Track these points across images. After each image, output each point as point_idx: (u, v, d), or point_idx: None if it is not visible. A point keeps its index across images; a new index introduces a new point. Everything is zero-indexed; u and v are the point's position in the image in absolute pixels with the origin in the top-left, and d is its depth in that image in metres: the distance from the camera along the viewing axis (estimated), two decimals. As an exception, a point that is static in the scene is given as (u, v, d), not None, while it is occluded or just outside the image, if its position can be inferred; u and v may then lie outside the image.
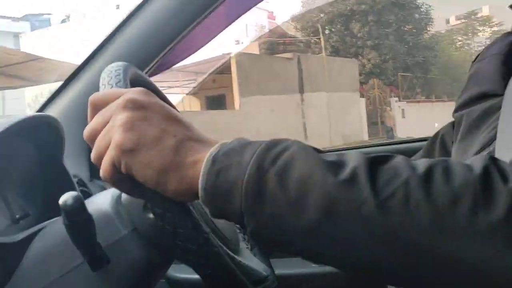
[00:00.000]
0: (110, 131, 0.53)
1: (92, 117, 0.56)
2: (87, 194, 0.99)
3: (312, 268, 1.27)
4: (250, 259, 0.77)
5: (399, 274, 0.47)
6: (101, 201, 0.69)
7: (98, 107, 0.56)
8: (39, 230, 0.73)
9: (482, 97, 0.79)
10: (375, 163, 0.47)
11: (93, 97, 0.58)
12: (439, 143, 1.01)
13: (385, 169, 0.46)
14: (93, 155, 0.55)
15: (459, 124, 0.84)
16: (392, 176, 0.45)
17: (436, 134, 1.04)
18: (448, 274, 0.44)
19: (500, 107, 0.71)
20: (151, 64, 1.15)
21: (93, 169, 1.24)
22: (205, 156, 0.51)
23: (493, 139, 0.71)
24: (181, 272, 1.28)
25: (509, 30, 0.86)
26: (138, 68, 0.71)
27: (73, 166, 1.09)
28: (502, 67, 0.78)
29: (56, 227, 0.70)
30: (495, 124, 0.71)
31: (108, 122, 0.54)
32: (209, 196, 0.51)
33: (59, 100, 1.18)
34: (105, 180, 0.55)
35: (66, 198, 0.57)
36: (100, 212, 0.66)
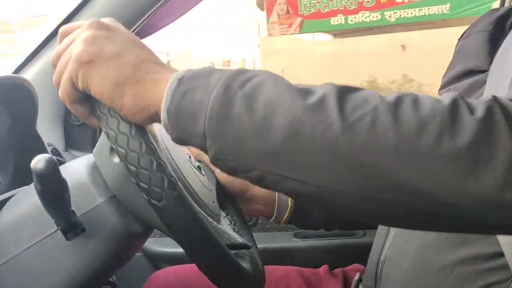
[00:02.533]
0: (71, 48, 0.53)
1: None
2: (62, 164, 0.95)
3: (297, 242, 1.27)
4: (229, 230, 0.74)
5: (357, 200, 0.45)
6: (76, 168, 0.66)
7: (67, 34, 0.56)
8: (10, 197, 0.69)
9: (468, 73, 0.80)
10: (346, 91, 0.46)
11: (63, 27, 0.57)
12: None
13: (355, 97, 0.46)
14: (54, 76, 0.55)
15: None
16: (361, 102, 0.45)
17: None
18: (406, 199, 0.44)
19: (485, 82, 0.72)
20: (134, 26, 1.11)
21: (68, 139, 1.20)
22: (169, 77, 0.50)
23: None
24: (159, 245, 1.26)
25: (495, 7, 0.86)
26: None
27: (48, 134, 1.05)
28: (487, 43, 0.78)
29: (27, 194, 0.67)
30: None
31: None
32: (172, 117, 0.49)
33: (35, 62, 1.13)
34: (63, 100, 0.55)
35: (37, 160, 0.54)
36: (75, 179, 0.63)
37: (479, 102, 0.45)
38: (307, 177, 0.45)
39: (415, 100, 0.45)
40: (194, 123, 0.48)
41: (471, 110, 0.44)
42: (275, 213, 0.91)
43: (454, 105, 0.44)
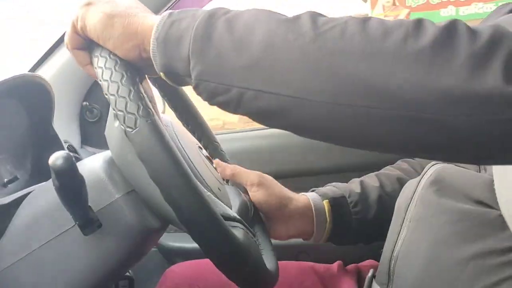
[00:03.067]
0: None
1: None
2: (78, 161, 0.96)
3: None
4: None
5: (329, 110, 0.47)
6: (93, 164, 0.67)
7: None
8: (28, 193, 0.70)
9: None
10: (322, 14, 0.50)
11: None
12: None
13: (329, 18, 0.49)
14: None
15: None
16: (334, 19, 0.48)
17: None
18: (374, 102, 0.45)
19: None
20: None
21: (84, 135, 1.21)
22: (157, 17, 0.55)
23: None
24: (173, 240, 1.27)
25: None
26: None
27: (64, 131, 1.06)
28: None
29: (45, 190, 0.68)
30: None
31: None
32: (160, 44, 0.53)
33: (52, 60, 1.14)
34: (67, 47, 0.62)
35: (56, 157, 0.55)
36: (92, 175, 0.64)
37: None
38: (282, 88, 0.48)
39: (383, 20, 0.47)
40: (179, 47, 0.52)
41: (434, 23, 0.46)
42: (314, 230, 0.90)
43: (418, 20, 0.46)
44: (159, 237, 0.76)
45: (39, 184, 0.73)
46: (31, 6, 3.76)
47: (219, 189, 0.74)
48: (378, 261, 0.84)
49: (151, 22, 0.55)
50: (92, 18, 0.57)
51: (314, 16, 0.49)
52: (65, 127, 1.15)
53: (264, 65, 0.48)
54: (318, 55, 0.46)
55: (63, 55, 1.12)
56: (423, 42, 0.44)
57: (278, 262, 0.76)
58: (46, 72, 1.11)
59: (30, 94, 0.82)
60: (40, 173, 0.82)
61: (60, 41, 1.13)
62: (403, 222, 0.77)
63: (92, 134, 1.22)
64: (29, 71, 1.14)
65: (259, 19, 0.50)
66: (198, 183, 0.56)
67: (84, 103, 1.19)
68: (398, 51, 0.44)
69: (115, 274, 0.68)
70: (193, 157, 0.68)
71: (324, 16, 0.50)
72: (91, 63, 0.59)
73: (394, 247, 0.77)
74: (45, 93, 0.84)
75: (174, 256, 1.26)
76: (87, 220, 0.61)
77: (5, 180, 0.79)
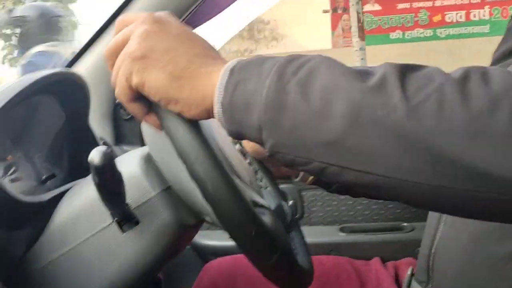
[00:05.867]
0: (128, 42, 0.52)
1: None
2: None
3: (343, 236, 1.26)
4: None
5: (429, 190, 0.42)
6: (130, 161, 0.67)
7: (123, 26, 0.54)
8: (66, 190, 0.71)
9: None
10: (407, 69, 0.43)
11: (119, 19, 0.56)
12: None
13: (417, 76, 0.42)
14: (112, 75, 0.53)
15: None
16: (424, 81, 0.41)
17: None
18: (482, 187, 0.40)
19: None
20: (183, 17, 1.11)
21: (118, 134, 1.22)
22: (221, 68, 0.48)
23: None
24: (207, 238, 1.27)
25: None
26: None
27: (97, 129, 1.07)
28: None
29: (84, 187, 0.68)
30: None
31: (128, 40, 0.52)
32: (226, 109, 0.47)
33: (87, 56, 1.14)
34: (120, 100, 0.53)
35: (95, 153, 0.55)
36: (129, 171, 0.64)
37: None
38: (371, 167, 0.42)
39: (484, 74, 0.41)
40: (248, 114, 0.46)
41: None
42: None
43: None
44: (195, 234, 0.76)
45: (77, 181, 0.74)
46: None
47: (251, 182, 0.73)
48: (416, 259, 0.82)
49: (215, 82, 0.48)
50: (153, 78, 0.49)
51: (403, 77, 0.42)
52: (98, 124, 1.15)
53: (349, 142, 0.42)
54: (414, 135, 0.40)
55: (97, 52, 1.13)
56: None
57: (313, 256, 0.74)
58: (81, 69, 1.12)
59: (66, 91, 0.82)
60: (76, 170, 0.82)
61: (94, 38, 1.14)
62: (440, 216, 0.75)
63: (125, 132, 1.22)
64: (66, 67, 1.15)
65: (337, 84, 0.43)
66: (232, 176, 0.54)
67: (118, 100, 1.19)
68: (508, 132, 0.38)
69: (152, 271, 0.68)
70: (228, 151, 0.67)
71: (413, 70, 0.43)
72: (157, 117, 0.53)
73: (432, 243, 0.75)
74: (81, 90, 0.84)
75: (208, 254, 1.26)
76: (125, 217, 0.61)
77: (43, 177, 0.79)
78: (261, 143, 0.47)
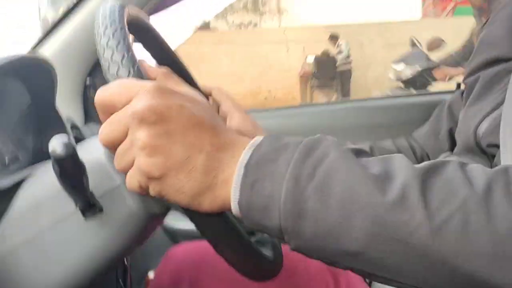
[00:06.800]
0: (132, 151, 0.49)
1: (104, 119, 0.52)
2: (81, 139, 0.95)
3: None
4: None
5: None
6: (94, 148, 0.66)
7: (107, 109, 0.51)
8: (29, 175, 0.69)
9: (494, 61, 0.79)
10: (427, 176, 0.43)
11: (98, 98, 0.52)
12: (446, 112, 1.02)
13: (439, 185, 0.42)
14: (117, 168, 0.52)
15: (471, 89, 0.85)
16: (447, 195, 0.41)
17: (443, 104, 1.06)
18: None
19: (511, 71, 0.72)
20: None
21: (88, 112, 1.20)
22: (235, 169, 0.48)
23: (503, 101, 0.71)
24: (177, 220, 1.27)
25: None
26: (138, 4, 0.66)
27: (67, 108, 1.05)
28: None
29: (46, 172, 0.67)
30: (506, 87, 0.72)
31: (125, 133, 0.49)
32: (244, 211, 0.47)
33: (55, 36, 1.12)
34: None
35: (55, 144, 0.53)
36: (94, 159, 0.63)
37: None
38: (395, 276, 0.43)
39: (508, 185, 0.40)
40: (267, 217, 0.46)
41: None
42: None
43: None
44: (161, 222, 0.75)
45: (39, 165, 0.72)
46: None
47: None
48: None
49: (231, 185, 0.48)
50: (172, 198, 0.49)
51: (423, 189, 0.41)
52: (67, 103, 1.14)
53: (372, 255, 0.42)
54: (438, 255, 0.40)
55: (65, 32, 1.11)
56: None
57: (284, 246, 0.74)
58: (49, 49, 1.10)
59: (32, 74, 0.80)
60: (41, 153, 0.81)
61: (62, 18, 1.11)
62: None
63: (95, 111, 1.20)
64: (34, 46, 1.13)
65: (357, 198, 0.42)
66: None
67: (88, 79, 1.18)
68: None
69: (117, 258, 0.68)
70: None
71: (433, 176, 0.43)
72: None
73: None
74: (47, 73, 0.82)
75: (178, 235, 1.27)
76: (88, 204, 0.60)
77: (7, 160, 0.78)
78: (284, 241, 0.47)
